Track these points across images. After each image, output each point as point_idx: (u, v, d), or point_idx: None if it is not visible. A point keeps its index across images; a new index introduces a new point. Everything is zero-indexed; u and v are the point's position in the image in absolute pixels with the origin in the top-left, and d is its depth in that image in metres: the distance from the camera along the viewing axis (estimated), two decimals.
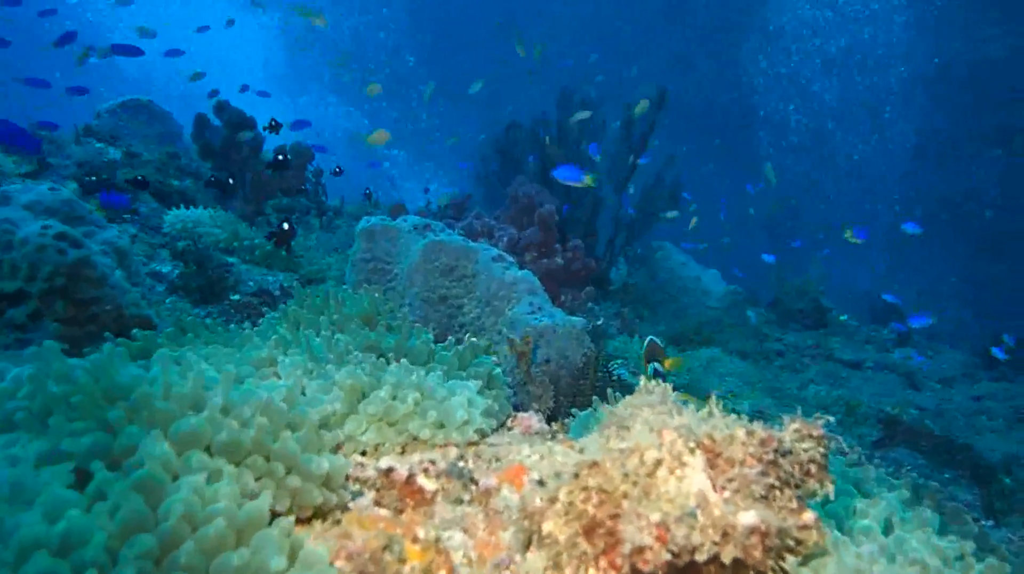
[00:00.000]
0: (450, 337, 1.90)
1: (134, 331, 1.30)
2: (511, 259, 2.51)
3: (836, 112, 17.20)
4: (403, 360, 1.45)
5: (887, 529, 1.07)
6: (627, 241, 6.61)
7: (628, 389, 2.44)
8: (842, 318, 8.53)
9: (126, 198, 3.88)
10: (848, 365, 6.58)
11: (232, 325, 1.70)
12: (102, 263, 1.30)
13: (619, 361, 3.71)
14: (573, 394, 2.06)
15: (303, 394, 1.23)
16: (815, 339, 7.39)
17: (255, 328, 1.52)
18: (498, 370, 1.65)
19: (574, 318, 2.32)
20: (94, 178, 4.19)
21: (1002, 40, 13.91)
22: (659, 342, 2.25)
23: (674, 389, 1.11)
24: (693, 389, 3.55)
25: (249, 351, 1.37)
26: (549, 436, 1.43)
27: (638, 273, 7.10)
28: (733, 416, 1.02)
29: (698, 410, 1.03)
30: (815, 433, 0.95)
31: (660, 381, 1.10)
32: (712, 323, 6.61)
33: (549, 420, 2.14)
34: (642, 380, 1.11)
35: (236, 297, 3.30)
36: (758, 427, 0.93)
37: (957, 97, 15.02)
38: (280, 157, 4.18)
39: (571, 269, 4.37)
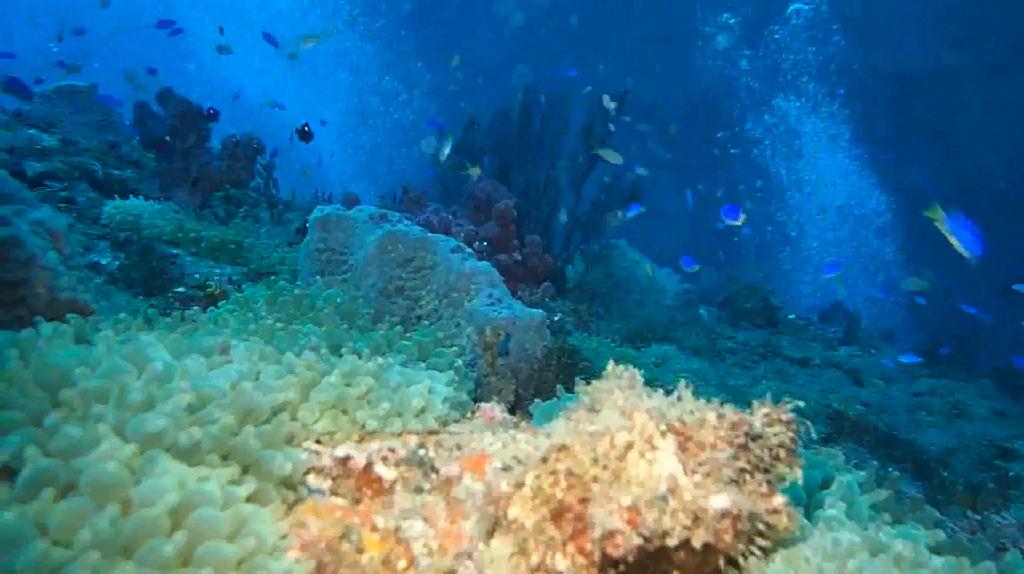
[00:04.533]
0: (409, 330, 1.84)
1: (69, 316, 1.20)
2: (470, 250, 2.46)
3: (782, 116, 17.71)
4: (358, 352, 1.40)
5: (853, 516, 1.07)
6: (583, 239, 6.64)
7: (595, 377, 2.42)
8: (790, 317, 8.77)
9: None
10: (796, 362, 6.76)
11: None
12: (32, 243, 1.20)
13: (582, 356, 3.70)
14: (533, 386, 2.03)
15: (257, 380, 1.16)
16: (765, 337, 7.56)
17: (206, 314, 1.44)
18: (459, 361, 1.60)
19: (534, 311, 2.29)
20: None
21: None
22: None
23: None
24: (650, 385, 3.56)
25: (201, 337, 1.29)
26: (512, 425, 1.39)
27: (594, 271, 7.13)
28: (703, 400, 1.00)
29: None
30: (784, 417, 0.94)
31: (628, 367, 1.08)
32: (666, 321, 6.69)
33: (510, 412, 2.10)
34: (611, 364, 1.08)
35: (181, 289, 3.16)
36: (729, 410, 0.91)
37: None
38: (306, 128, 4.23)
39: (528, 265, 4.35)
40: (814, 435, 0.99)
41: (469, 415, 1.57)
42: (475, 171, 4.95)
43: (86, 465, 0.79)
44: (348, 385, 1.16)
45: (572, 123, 6.44)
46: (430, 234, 2.45)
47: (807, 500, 1.17)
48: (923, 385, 6.24)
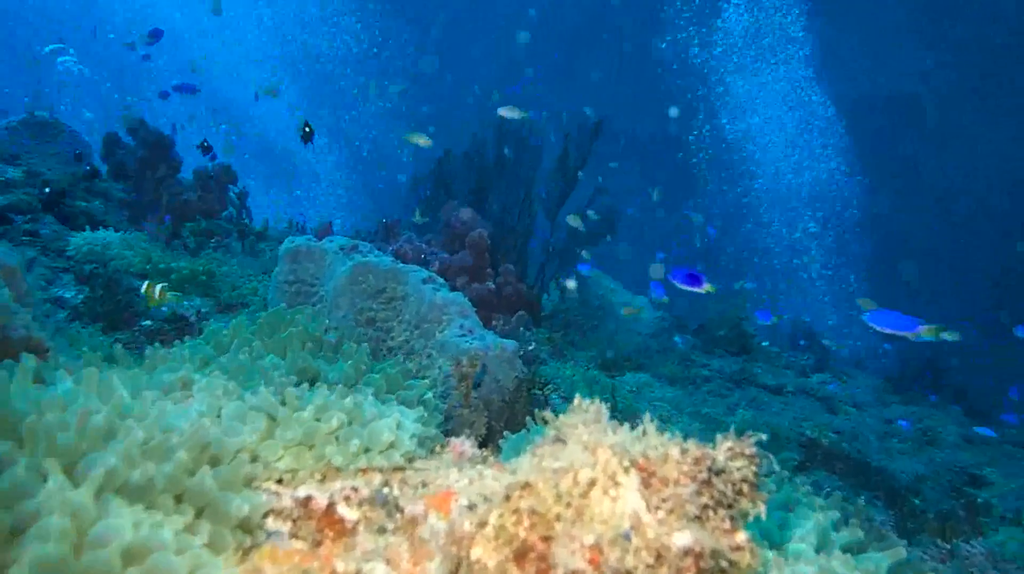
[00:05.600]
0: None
1: (23, 355, 1.17)
2: (442, 281, 2.46)
3: (761, 140, 18.09)
4: (328, 383, 1.38)
5: (819, 549, 1.07)
6: (559, 268, 6.68)
7: (561, 412, 2.41)
8: (764, 344, 8.86)
9: None
10: (770, 390, 6.82)
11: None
12: None
13: (551, 386, 3.69)
14: (505, 418, 2.01)
15: (218, 417, 1.13)
16: (739, 365, 7.62)
17: (170, 349, 1.41)
18: (429, 394, 1.59)
19: (506, 341, 2.29)
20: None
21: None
22: None
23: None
24: (625, 414, 3.56)
25: (162, 373, 1.26)
26: (481, 460, 1.38)
27: (569, 299, 7.16)
28: (668, 434, 1.00)
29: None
30: (747, 451, 0.94)
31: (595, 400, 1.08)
32: (641, 349, 6.72)
33: (481, 445, 2.08)
34: (576, 398, 1.08)
35: (148, 323, 3.10)
36: (692, 445, 0.91)
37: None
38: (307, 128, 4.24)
39: (503, 294, 4.35)
40: (776, 468, 1.00)
41: (439, 449, 1.55)
42: (421, 139, 4.95)
43: (30, 509, 0.76)
44: (318, 420, 1.14)
45: (546, 152, 6.53)
46: (401, 265, 2.44)
47: (776, 533, 1.16)
48: (894, 412, 6.33)
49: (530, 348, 3.99)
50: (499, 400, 2.08)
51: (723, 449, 0.93)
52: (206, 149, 4.10)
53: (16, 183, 4.99)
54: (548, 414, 1.38)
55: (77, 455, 0.84)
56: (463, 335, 2.26)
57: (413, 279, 2.39)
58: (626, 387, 4.45)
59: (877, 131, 16.26)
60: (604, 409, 1.02)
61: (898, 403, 7.05)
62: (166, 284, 2.83)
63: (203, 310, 3.64)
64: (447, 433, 1.78)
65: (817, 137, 17.05)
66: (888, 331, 2.99)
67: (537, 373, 3.88)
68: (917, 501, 4.12)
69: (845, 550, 1.11)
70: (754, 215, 19.12)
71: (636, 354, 6.39)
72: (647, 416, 0.97)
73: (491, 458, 1.48)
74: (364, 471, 1.08)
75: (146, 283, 2.87)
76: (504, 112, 4.63)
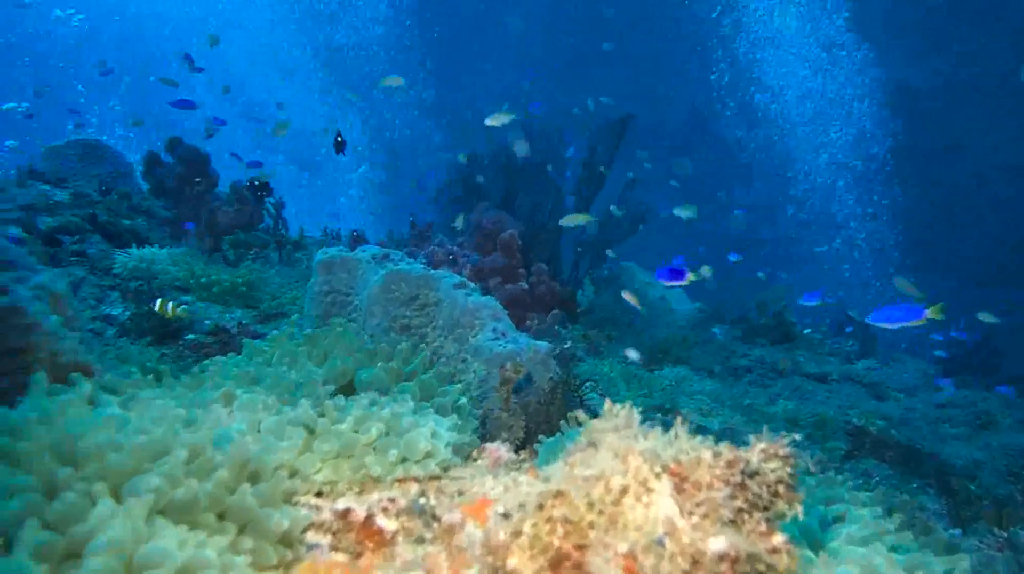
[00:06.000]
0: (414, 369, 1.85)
1: (76, 377, 1.22)
2: (473, 285, 2.48)
3: (796, 127, 17.68)
4: (366, 392, 1.41)
5: (863, 546, 1.05)
6: (592, 263, 6.65)
7: (597, 414, 2.41)
8: (806, 331, 8.68)
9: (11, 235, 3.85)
10: (814, 378, 6.67)
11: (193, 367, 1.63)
12: (34, 309, 1.23)
13: (589, 384, 3.68)
14: (540, 421, 2.02)
15: (258, 432, 1.17)
16: (781, 354, 7.49)
17: (212, 365, 1.45)
18: (463, 399, 1.61)
19: (539, 342, 2.29)
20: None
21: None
22: None
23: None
24: (663, 409, 3.54)
25: (205, 391, 1.30)
26: (517, 466, 1.39)
27: (604, 294, 7.12)
28: (699, 437, 0.99)
29: (665, 431, 1.00)
30: (782, 452, 0.93)
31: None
32: (679, 342, 6.65)
33: (518, 449, 2.09)
34: (607, 403, 1.08)
35: (191, 337, 3.19)
36: (724, 448, 0.90)
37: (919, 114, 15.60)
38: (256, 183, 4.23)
39: (536, 293, 4.35)
40: (812, 468, 0.98)
41: (475, 454, 1.57)
42: (393, 80, 4.97)
43: (83, 532, 0.80)
44: (356, 431, 1.16)
45: (575, 148, 6.51)
46: (433, 271, 2.46)
47: (818, 533, 1.15)
48: (945, 396, 6.13)
49: (566, 346, 3.98)
50: (535, 402, 2.09)
51: (756, 451, 0.92)
52: (339, 144, 4.16)
53: (64, 205, 5.19)
54: (581, 414, 1.39)
55: (125, 476, 0.88)
56: (496, 338, 2.28)
57: (445, 285, 2.41)
58: (665, 381, 4.41)
59: (924, 112, 15.70)
60: (635, 413, 1.02)
61: (949, 387, 6.83)
62: (177, 301, 2.91)
63: (244, 321, 3.73)
64: (484, 437, 1.80)
65: (859, 119, 16.61)
66: (896, 326, 2.94)
67: (573, 372, 3.88)
68: (973, 487, 3.99)
69: (892, 549, 1.09)
70: (792, 199, 18.73)
71: (674, 347, 6.32)
72: (679, 419, 0.97)
73: (527, 463, 1.49)
74: (401, 481, 1.10)
75: (159, 301, 2.92)
76: (492, 121, 4.66)
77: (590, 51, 16.99)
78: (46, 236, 4.36)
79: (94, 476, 0.90)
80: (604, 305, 6.84)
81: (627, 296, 4.68)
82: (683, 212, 5.98)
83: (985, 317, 7.06)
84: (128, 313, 3.40)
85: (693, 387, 4.35)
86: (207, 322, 3.55)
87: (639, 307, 4.83)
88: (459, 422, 1.54)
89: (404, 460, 1.12)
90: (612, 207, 6.03)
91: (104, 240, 4.84)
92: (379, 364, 1.52)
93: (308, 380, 1.33)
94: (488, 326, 2.31)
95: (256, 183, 4.16)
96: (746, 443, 1.09)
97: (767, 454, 0.91)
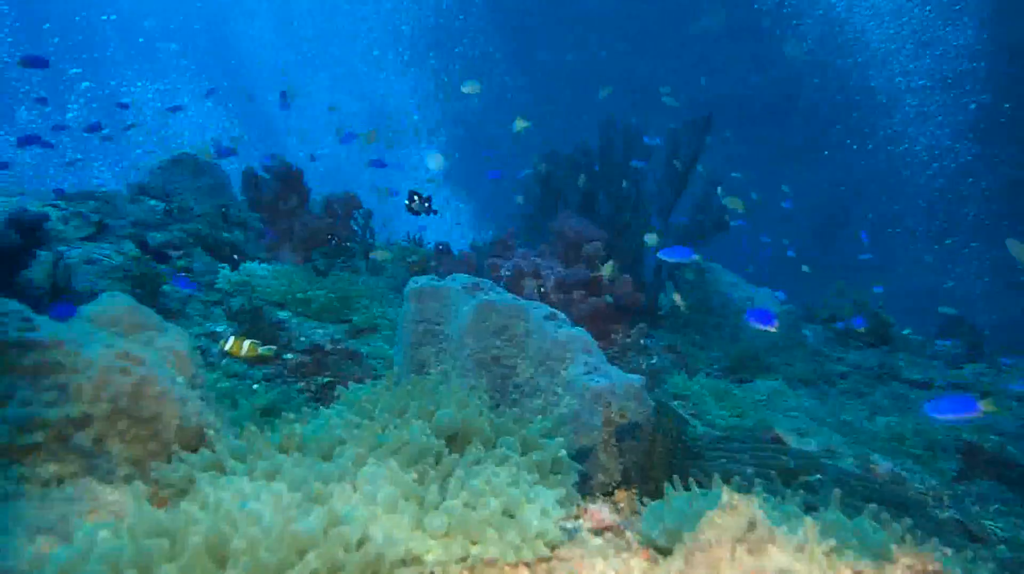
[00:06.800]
0: (506, 408, 1.86)
1: (202, 452, 1.28)
2: (563, 316, 2.45)
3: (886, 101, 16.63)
4: (473, 449, 1.42)
5: None
6: (674, 265, 6.48)
7: (697, 455, 2.34)
8: (905, 332, 8.18)
9: (193, 285, 4.00)
10: (916, 386, 6.28)
11: (304, 408, 1.67)
12: (163, 375, 1.29)
13: (678, 403, 3.60)
14: (639, 462, 1.98)
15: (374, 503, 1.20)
16: (879, 358, 7.09)
17: (317, 427, 1.49)
18: (563, 452, 1.59)
19: (632, 376, 2.25)
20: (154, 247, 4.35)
21: None
22: None
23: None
24: (758, 429, 3.41)
25: (323, 467, 1.30)
26: (621, 533, 1.36)
27: (688, 297, 6.94)
28: (831, 541, 0.93)
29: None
30: (930, 568, 0.86)
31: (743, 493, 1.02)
32: (768, 346, 6.40)
33: (614, 489, 2.06)
34: (724, 493, 1.03)
35: (290, 356, 3.33)
36: (866, 567, 0.84)
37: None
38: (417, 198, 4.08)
39: (620, 305, 4.29)
40: None
41: (575, 511, 1.55)
42: (521, 122, 4.97)
43: None
44: (467, 505, 1.16)
45: (655, 148, 6.35)
46: (522, 301, 2.46)
47: None
48: None
49: (652, 362, 3.91)
50: (631, 440, 2.05)
51: (901, 566, 0.86)
52: (421, 205, 3.99)
53: (170, 219, 5.51)
54: (694, 487, 1.33)
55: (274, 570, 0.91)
56: (588, 373, 2.25)
57: (535, 316, 2.40)
58: (757, 395, 4.25)
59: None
60: (758, 514, 0.97)
61: None
62: (253, 340, 2.70)
63: (337, 336, 3.86)
64: (581, 476, 1.77)
65: (959, 95, 15.44)
66: (951, 417, 2.79)
67: (669, 420, 3.80)
68: None
69: None
70: (886, 180, 17.67)
71: (763, 352, 6.09)
72: (808, 526, 0.91)
73: (632, 524, 1.46)
74: (514, 566, 1.10)
75: (232, 339, 2.73)
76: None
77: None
78: (155, 252, 4.64)
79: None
80: (688, 308, 6.67)
81: (675, 298, 4.58)
82: (731, 202, 5.77)
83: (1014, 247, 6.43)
84: (231, 330, 3.58)
85: (788, 402, 4.17)
86: (303, 339, 3.69)
87: (683, 306, 4.77)
88: (561, 477, 1.53)
89: (516, 543, 1.11)
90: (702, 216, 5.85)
91: (206, 253, 5.12)
92: (482, 417, 1.53)
93: (419, 442, 1.34)
94: (580, 359, 2.29)
95: (418, 197, 4.06)
96: (846, 466, 1.02)
97: (914, 570, 0.85)
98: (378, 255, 4.95)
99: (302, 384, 3.02)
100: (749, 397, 4.06)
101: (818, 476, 2.21)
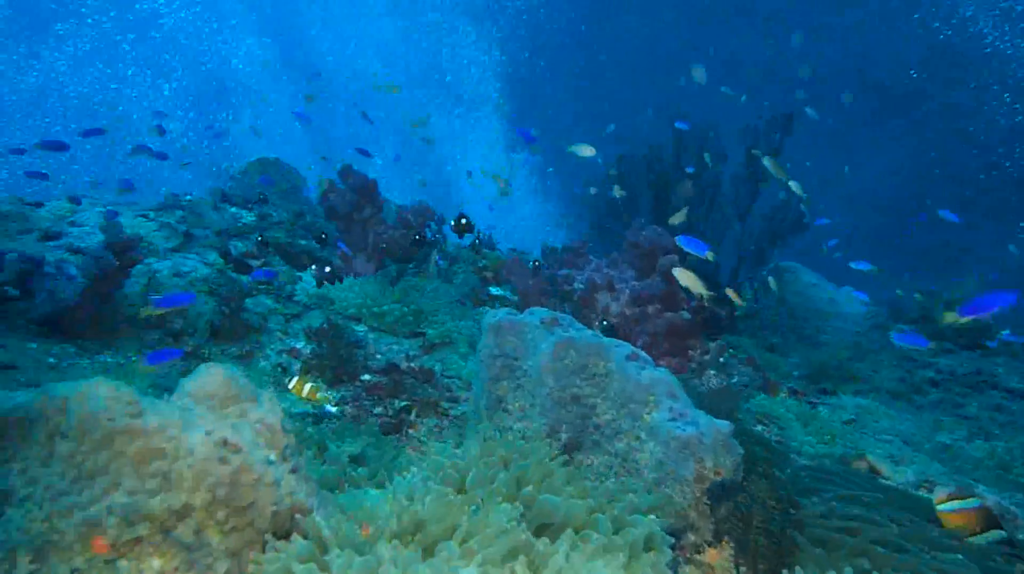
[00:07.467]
0: (587, 453, 1.80)
1: (296, 540, 1.28)
2: (646, 356, 2.37)
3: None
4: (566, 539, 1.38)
5: None
6: (751, 268, 6.25)
7: (792, 504, 2.22)
8: (1004, 333, 7.65)
9: (273, 272, 4.17)
10: (1018, 396, 5.85)
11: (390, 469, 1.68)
12: (258, 460, 1.30)
13: (761, 428, 3.46)
14: (734, 525, 1.89)
15: None
16: (975, 363, 6.65)
17: (405, 495, 1.48)
18: (658, 529, 1.53)
19: (720, 422, 2.16)
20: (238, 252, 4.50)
21: None
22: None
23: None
24: (846, 459, 3.23)
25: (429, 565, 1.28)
26: None
27: (765, 299, 6.69)
28: None
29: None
30: None
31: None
32: (852, 351, 6.09)
33: (700, 548, 1.99)
34: None
35: (367, 377, 3.37)
36: None
37: None
38: (464, 221, 4.25)
39: (698, 319, 4.14)
40: None
41: None
42: (585, 149, 4.93)
43: None
44: None
45: (730, 147, 6.10)
46: (604, 339, 2.39)
47: None
48: None
49: (733, 381, 3.77)
50: (727, 502, 1.96)
51: None
52: (464, 228, 4.16)
53: (250, 227, 5.69)
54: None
55: None
56: (673, 419, 2.17)
57: (617, 355, 2.33)
58: (845, 414, 4.04)
59: None
60: None
61: None
62: (315, 382, 2.69)
63: (411, 353, 3.89)
64: (671, 534, 1.70)
65: None
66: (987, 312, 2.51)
67: (744, 405, 3.65)
68: None
69: None
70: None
71: (847, 359, 5.80)
72: None
73: None
74: None
75: (295, 379, 2.70)
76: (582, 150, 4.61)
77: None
78: (237, 261, 4.80)
79: None
80: (766, 311, 6.43)
81: (730, 293, 4.39)
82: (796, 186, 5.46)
83: None
84: (310, 348, 3.66)
85: (879, 424, 3.95)
86: (379, 356, 3.73)
87: (740, 303, 4.57)
88: (654, 556, 1.48)
89: None
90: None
91: (283, 261, 5.26)
92: (574, 500, 1.49)
93: (517, 538, 1.31)
94: (664, 404, 2.21)
95: (466, 220, 4.20)
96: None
97: None
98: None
99: (380, 409, 3.05)
100: (836, 418, 3.87)
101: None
